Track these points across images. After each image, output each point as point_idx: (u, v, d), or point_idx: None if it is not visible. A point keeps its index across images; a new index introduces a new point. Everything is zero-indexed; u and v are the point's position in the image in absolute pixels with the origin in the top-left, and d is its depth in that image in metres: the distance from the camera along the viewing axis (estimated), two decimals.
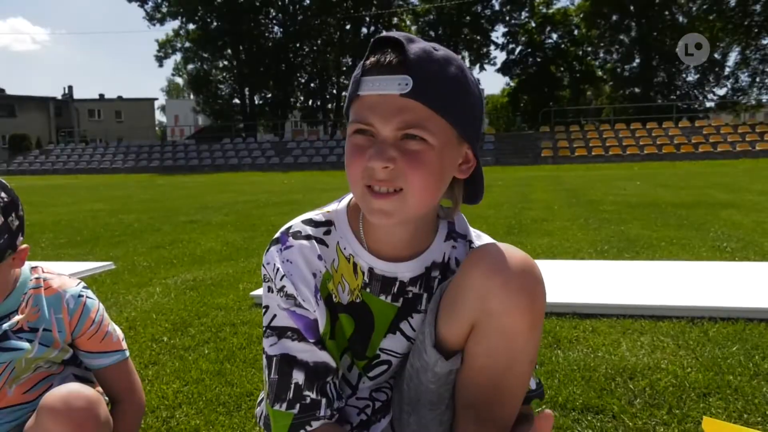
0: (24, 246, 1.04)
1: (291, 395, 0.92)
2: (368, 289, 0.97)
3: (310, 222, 0.97)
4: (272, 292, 0.94)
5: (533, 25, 39.81)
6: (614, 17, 36.06)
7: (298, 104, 40.49)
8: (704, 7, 33.62)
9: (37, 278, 1.11)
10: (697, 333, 2.14)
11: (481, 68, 39.52)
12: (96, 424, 0.98)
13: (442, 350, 0.92)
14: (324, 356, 0.93)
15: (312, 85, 39.98)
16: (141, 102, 52.24)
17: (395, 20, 38.29)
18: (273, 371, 0.93)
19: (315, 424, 0.92)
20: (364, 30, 38.22)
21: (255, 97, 38.53)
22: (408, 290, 0.98)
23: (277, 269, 0.93)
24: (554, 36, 40.46)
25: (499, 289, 0.86)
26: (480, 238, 1.05)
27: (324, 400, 0.92)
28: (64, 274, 1.15)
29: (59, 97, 50.16)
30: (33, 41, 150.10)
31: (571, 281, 2.86)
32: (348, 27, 37.92)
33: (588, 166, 18.75)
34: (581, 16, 37.44)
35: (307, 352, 0.92)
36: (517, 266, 0.87)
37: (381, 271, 0.96)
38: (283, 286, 0.92)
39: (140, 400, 1.19)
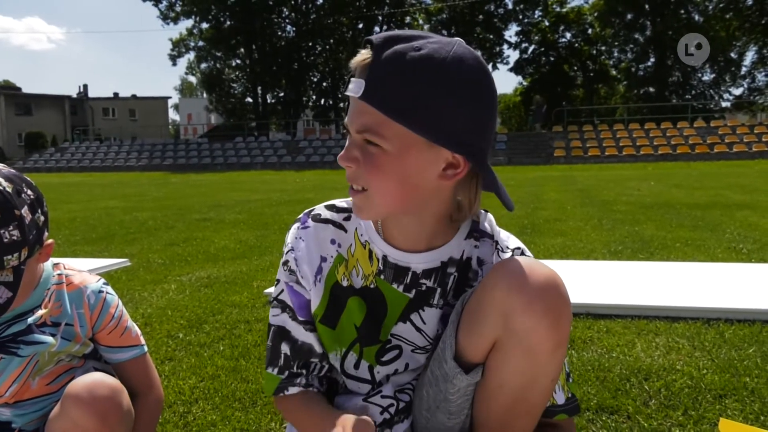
0: (50, 241, 1.06)
1: (281, 363, 1.03)
2: (382, 276, 1.00)
3: (332, 207, 1.05)
4: (282, 266, 1.04)
5: (547, 23, 39.58)
6: (629, 16, 35.73)
7: (310, 103, 40.61)
8: (721, 5, 33.23)
9: (59, 274, 1.13)
10: (712, 335, 2.12)
11: (494, 67, 39.36)
12: (119, 412, 1.01)
13: (462, 363, 0.93)
14: (310, 338, 1.02)
15: (324, 84, 40.06)
16: (155, 100, 52.65)
17: (408, 19, 38.27)
18: (270, 338, 1.05)
19: (291, 390, 1.03)
20: (377, 29, 38.20)
21: (267, 96, 38.68)
22: (421, 282, 1.00)
23: (288, 244, 1.03)
24: (568, 35, 40.21)
25: (523, 308, 0.85)
26: (509, 239, 1.05)
27: (305, 371, 1.03)
28: (85, 271, 1.17)
29: (74, 96, 50.71)
30: (49, 40, 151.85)
31: (585, 281, 2.85)
32: (360, 26, 37.95)
33: (601, 166, 18.61)
34: (595, 14, 37.16)
35: (298, 330, 1.02)
36: (542, 284, 0.86)
37: (394, 260, 0.99)
38: (287, 261, 1.02)
39: (158, 395, 1.21)
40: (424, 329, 1.02)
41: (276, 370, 1.04)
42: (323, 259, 1.01)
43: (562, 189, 9.68)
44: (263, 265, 3.74)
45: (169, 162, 25.89)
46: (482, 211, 1.05)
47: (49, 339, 1.07)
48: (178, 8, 37.03)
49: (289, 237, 1.04)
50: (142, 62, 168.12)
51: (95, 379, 1.01)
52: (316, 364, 1.04)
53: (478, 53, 0.88)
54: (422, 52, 0.82)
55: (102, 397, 0.99)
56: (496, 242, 1.03)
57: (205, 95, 44.49)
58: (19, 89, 51.54)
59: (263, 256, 4.05)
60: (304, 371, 1.03)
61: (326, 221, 1.03)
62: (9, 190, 0.98)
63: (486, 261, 1.02)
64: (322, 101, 40.72)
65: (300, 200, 8.57)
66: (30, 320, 1.06)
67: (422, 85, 0.81)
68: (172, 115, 60.34)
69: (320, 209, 1.05)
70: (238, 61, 39.15)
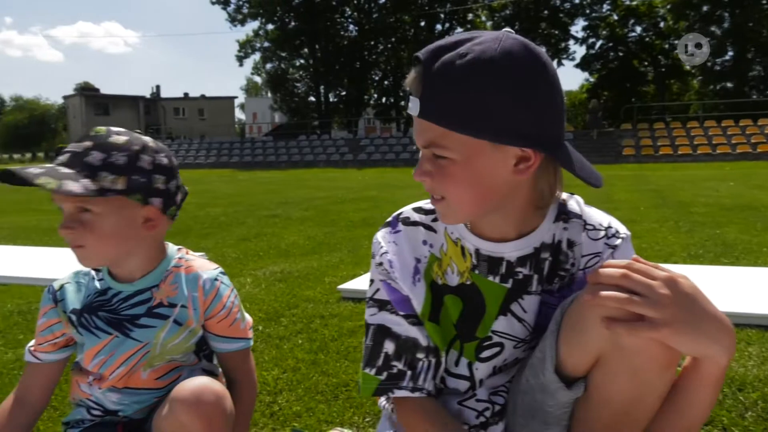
0: (156, 208, 1.08)
1: (381, 363, 1.01)
2: (477, 271, 1.00)
3: (419, 210, 1.05)
4: (375, 267, 1.04)
5: (615, 17, 38.17)
6: (705, 8, 33.91)
7: (371, 101, 40.88)
8: None
9: (180, 258, 1.17)
10: None
11: (559, 63, 38.33)
12: (223, 418, 1.03)
13: (561, 375, 0.90)
14: (414, 332, 1.00)
15: (386, 82, 40.23)
16: (222, 100, 54.48)
17: (470, 16, 37.84)
18: (369, 338, 1.03)
19: (397, 392, 1.00)
20: (439, 27, 38.02)
21: (330, 95, 39.24)
22: (517, 271, 0.99)
23: (381, 247, 1.04)
24: (638, 29, 38.60)
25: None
26: (599, 217, 1.02)
27: (410, 373, 1.00)
28: (205, 258, 1.21)
29: (148, 96, 53.17)
30: (125, 44, 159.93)
31: None
32: (423, 24, 37.84)
33: (674, 165, 17.80)
34: (668, 7, 35.49)
35: (400, 325, 1.01)
36: None
37: (487, 252, 0.99)
38: (382, 262, 1.03)
39: (255, 386, 1.25)
40: (526, 319, 1.01)
41: (374, 370, 1.01)
42: (417, 260, 1.02)
43: (633, 189, 9.32)
44: (333, 261, 3.81)
45: (235, 160, 26.72)
46: (569, 194, 1.03)
47: (161, 322, 1.11)
48: (245, 10, 38.11)
49: (381, 241, 1.04)
50: (211, 63, 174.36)
51: (202, 383, 1.04)
52: (423, 362, 1.00)
53: (527, 40, 0.85)
54: (468, 57, 0.81)
55: (207, 403, 1.01)
56: (584, 221, 1.01)
57: (269, 95, 45.61)
58: (98, 90, 54.47)
59: (333, 253, 4.12)
60: (409, 372, 1.00)
61: (416, 223, 1.04)
62: (152, 144, 1.08)
63: (576, 242, 1.00)
64: (384, 99, 40.90)
65: (364, 198, 8.65)
66: (145, 296, 1.11)
67: (473, 90, 0.81)
68: (238, 114, 62.32)
69: (408, 212, 1.06)
70: (302, 61, 39.88)
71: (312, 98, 39.97)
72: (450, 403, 1.04)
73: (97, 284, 1.13)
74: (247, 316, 1.24)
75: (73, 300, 1.12)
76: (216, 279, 1.17)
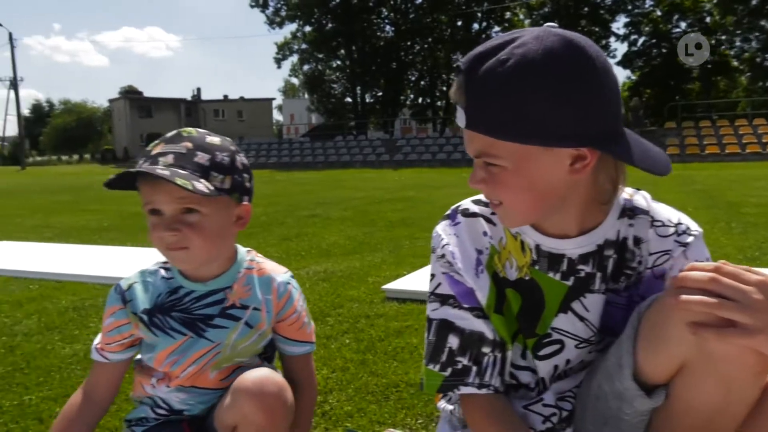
0: (247, 203, 1.10)
1: (444, 358, 0.99)
2: (537, 267, 0.98)
3: (479, 202, 1.04)
4: (436, 261, 1.03)
5: (659, 13, 37.16)
6: (754, 1, 32.72)
7: (408, 102, 40.87)
8: None
9: (251, 260, 1.18)
10: None
11: None
12: (285, 409, 1.04)
13: (640, 382, 0.86)
14: (480, 325, 0.98)
15: (422, 83, 40.16)
16: (260, 102, 55.29)
17: (508, 15, 37.42)
18: (432, 333, 1.01)
19: (463, 389, 0.97)
20: (476, 26, 37.74)
21: (366, 96, 39.40)
22: (579, 269, 0.96)
23: (442, 239, 1.02)
24: (683, 24, 37.46)
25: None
26: (667, 212, 0.98)
27: (475, 368, 0.97)
28: (274, 261, 1.22)
29: (189, 99, 54.39)
30: (167, 48, 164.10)
31: None
32: (459, 23, 37.62)
33: (721, 164, 17.21)
34: (715, 1, 34.37)
35: (464, 319, 0.98)
36: None
37: (548, 248, 0.97)
38: (444, 255, 1.01)
39: (315, 389, 1.25)
40: (588, 318, 0.98)
41: (438, 366, 0.99)
42: (479, 252, 1.01)
43: (679, 189, 9.04)
44: (375, 261, 3.81)
45: (273, 160, 27.08)
46: (635, 189, 1.00)
47: (232, 323, 1.12)
48: (283, 13, 38.63)
49: (442, 233, 1.03)
50: (250, 65, 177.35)
51: (264, 374, 1.04)
52: (489, 356, 0.97)
53: (572, 35, 0.81)
54: (509, 63, 0.79)
55: (270, 394, 1.02)
56: (652, 217, 0.97)
57: (306, 96, 46.09)
58: (141, 93, 56.01)
59: (374, 253, 4.12)
60: (475, 367, 0.97)
61: (475, 215, 1.02)
62: (232, 145, 1.10)
63: (643, 239, 0.96)
64: (420, 100, 40.83)
65: (402, 198, 8.64)
66: (218, 297, 1.12)
67: (517, 97, 0.79)
68: (276, 115, 63.20)
69: (467, 204, 1.04)
70: (339, 62, 40.17)
71: (348, 99, 40.22)
72: (515, 407, 1.01)
73: (166, 283, 1.14)
74: (311, 321, 1.25)
75: (143, 300, 1.13)
76: (288, 282, 1.18)
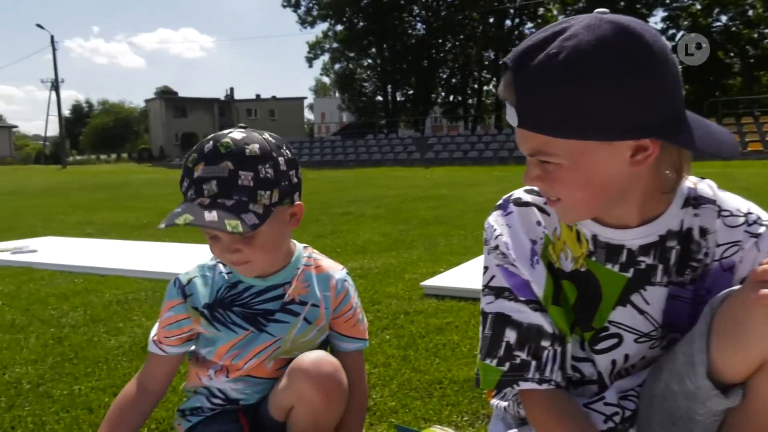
0: (299, 203, 1.09)
1: (502, 353, 0.96)
2: (593, 258, 0.95)
3: (531, 191, 1.01)
4: (489, 252, 1.00)
5: (698, 7, 36.15)
6: None
7: (439, 100, 40.71)
8: None
9: (308, 257, 1.19)
10: None
11: None
12: (341, 390, 1.05)
13: (714, 381, 0.82)
14: (537, 318, 0.95)
15: (453, 80, 39.95)
16: (292, 101, 55.81)
17: (541, 10, 36.90)
18: (487, 327, 0.99)
19: (523, 385, 0.94)
20: (508, 22, 37.34)
21: (397, 94, 39.39)
22: (639, 260, 0.93)
23: (494, 230, 1.00)
24: (723, 18, 36.34)
25: None
26: (735, 202, 0.93)
27: (534, 363, 0.94)
28: (329, 259, 1.22)
29: (222, 98, 55.25)
30: (201, 48, 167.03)
31: None
32: (491, 20, 37.27)
33: (764, 162, 16.65)
34: None
35: (521, 312, 0.96)
36: None
37: (605, 239, 0.93)
38: (497, 245, 0.99)
39: (366, 388, 1.25)
40: (649, 311, 0.94)
41: (495, 361, 0.96)
42: (533, 242, 0.98)
43: (720, 188, 8.78)
44: (411, 258, 3.79)
45: (305, 159, 27.29)
46: (699, 177, 0.95)
47: (293, 318, 1.13)
48: (315, 12, 38.91)
49: (494, 224, 1.01)
50: (281, 65, 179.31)
51: (320, 355, 1.06)
52: (549, 350, 0.94)
53: (626, 20, 0.77)
54: (560, 56, 0.75)
55: (327, 374, 1.03)
56: (719, 207, 0.92)
57: (337, 95, 46.32)
58: (176, 94, 57.10)
59: (410, 250, 4.10)
60: (534, 362, 0.94)
61: (528, 204, 0.99)
62: (271, 140, 1.06)
63: (709, 229, 0.92)
64: (451, 97, 40.63)
65: (434, 196, 8.60)
66: (277, 292, 1.12)
67: (570, 93, 0.75)
68: (307, 114, 63.63)
69: (519, 193, 1.01)
70: (370, 61, 40.26)
71: (379, 97, 40.31)
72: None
73: (225, 277, 1.14)
74: (365, 318, 1.25)
75: (203, 294, 1.13)
76: (345, 280, 1.19)
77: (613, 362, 0.97)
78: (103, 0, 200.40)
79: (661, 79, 0.77)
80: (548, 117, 0.78)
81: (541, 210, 0.99)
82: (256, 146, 1.02)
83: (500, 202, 1.03)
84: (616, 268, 0.94)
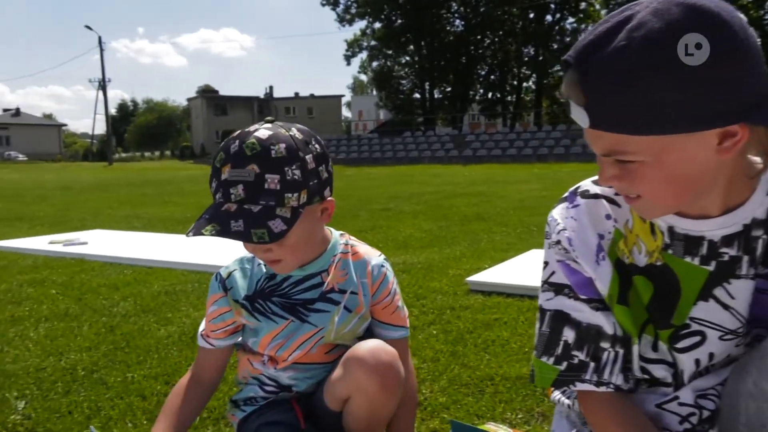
0: (331, 198, 1.07)
1: (560, 351, 0.93)
2: (670, 251, 0.88)
3: None
4: (550, 247, 0.96)
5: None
6: None
7: (477, 97, 40.35)
8: None
9: (345, 244, 1.17)
10: None
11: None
12: (398, 379, 1.03)
13: None
14: (597, 318, 0.91)
15: (492, 77, 39.53)
16: (330, 99, 56.26)
17: (583, 5, 36.13)
18: (545, 324, 0.95)
19: (579, 386, 0.91)
20: (549, 17, 36.70)
21: (435, 91, 39.22)
22: (722, 252, 0.86)
23: (558, 224, 0.95)
24: None
25: None
26: None
27: (593, 364, 0.90)
28: (367, 245, 1.21)
29: (261, 97, 56.06)
30: (241, 47, 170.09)
31: None
32: (531, 15, 36.71)
33: None
34: None
35: (581, 311, 0.92)
36: None
37: (683, 230, 0.87)
38: (559, 240, 0.94)
39: (415, 381, 1.22)
40: (734, 306, 0.88)
41: (552, 359, 0.93)
42: (600, 237, 0.92)
43: None
44: (454, 254, 3.74)
45: (342, 156, 27.44)
46: None
47: (333, 307, 1.11)
48: (353, 10, 39.07)
49: (558, 217, 0.95)
50: (320, 63, 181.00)
51: (378, 344, 1.04)
52: (609, 352, 0.90)
53: None
54: (630, 48, 0.69)
55: (384, 362, 1.01)
56: None
57: (375, 92, 46.42)
58: (217, 92, 58.24)
59: (452, 246, 4.06)
60: (593, 363, 0.90)
61: (597, 196, 0.94)
62: (299, 137, 1.01)
63: None
64: (489, 95, 40.23)
65: (473, 193, 8.50)
66: (315, 280, 1.11)
67: (647, 86, 0.69)
68: (345, 112, 64.06)
69: (587, 185, 0.95)
70: (408, 58, 40.21)
71: (417, 95, 40.21)
72: (647, 405, 0.93)
73: (264, 269, 1.14)
74: (405, 306, 1.22)
75: (243, 286, 1.13)
76: (382, 265, 1.17)
77: (697, 361, 0.92)
78: (148, 2, 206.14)
79: (745, 59, 0.71)
80: (624, 115, 0.72)
81: (611, 201, 0.93)
82: (282, 146, 0.98)
83: (566, 194, 0.97)
84: (696, 261, 0.88)
